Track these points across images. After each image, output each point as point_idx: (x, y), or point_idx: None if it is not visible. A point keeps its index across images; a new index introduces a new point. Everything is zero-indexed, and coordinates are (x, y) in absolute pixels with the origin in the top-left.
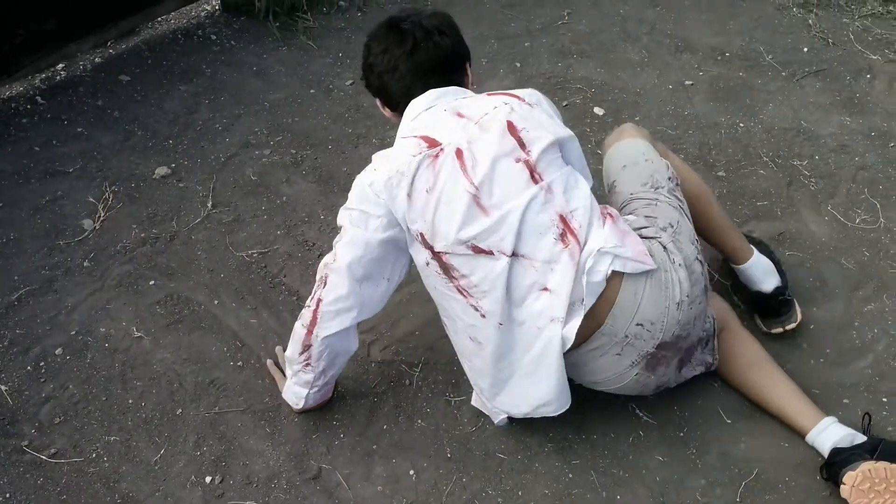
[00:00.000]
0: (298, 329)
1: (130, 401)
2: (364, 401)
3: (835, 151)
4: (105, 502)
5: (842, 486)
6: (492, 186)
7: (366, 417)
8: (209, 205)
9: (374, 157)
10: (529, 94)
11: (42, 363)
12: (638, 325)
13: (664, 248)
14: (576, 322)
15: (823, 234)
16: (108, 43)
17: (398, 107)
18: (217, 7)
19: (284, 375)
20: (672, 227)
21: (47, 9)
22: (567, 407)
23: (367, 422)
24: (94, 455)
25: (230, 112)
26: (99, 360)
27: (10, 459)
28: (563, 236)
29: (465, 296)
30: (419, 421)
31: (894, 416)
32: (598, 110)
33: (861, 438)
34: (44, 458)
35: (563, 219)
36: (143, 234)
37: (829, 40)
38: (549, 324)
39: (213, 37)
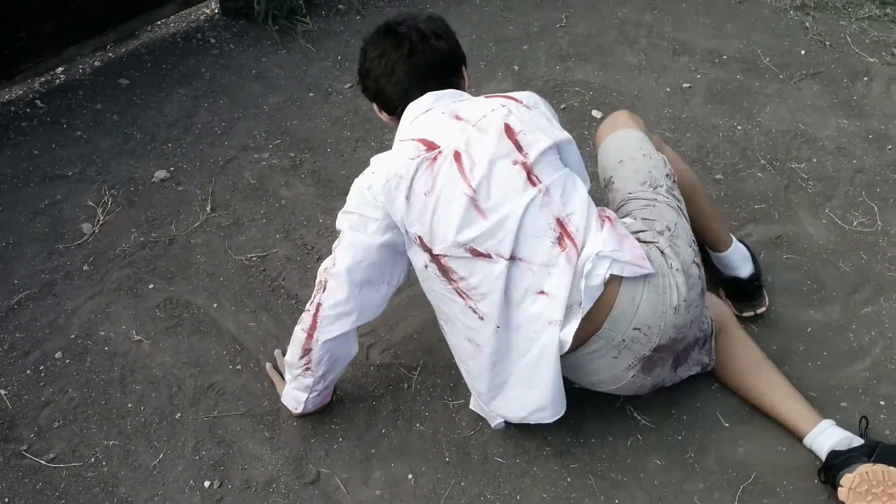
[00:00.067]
0: (298, 333)
1: (129, 405)
2: (363, 404)
3: (832, 154)
4: None
5: (839, 489)
6: (489, 188)
7: (364, 421)
8: (208, 208)
9: (373, 160)
10: (527, 96)
11: (41, 367)
12: (635, 329)
13: (662, 252)
14: (573, 325)
15: (821, 237)
16: (108, 46)
17: (395, 110)
18: (216, 10)
19: (283, 379)
20: (670, 230)
21: (47, 12)
22: (562, 413)
23: (366, 426)
24: (92, 459)
25: (229, 115)
26: (98, 363)
27: (10, 464)
28: (560, 240)
29: (464, 298)
30: (418, 425)
31: (892, 420)
32: (597, 113)
33: (858, 441)
34: (43, 462)
35: (560, 222)
36: (142, 238)
37: (827, 43)
38: (547, 326)
39: (213, 40)
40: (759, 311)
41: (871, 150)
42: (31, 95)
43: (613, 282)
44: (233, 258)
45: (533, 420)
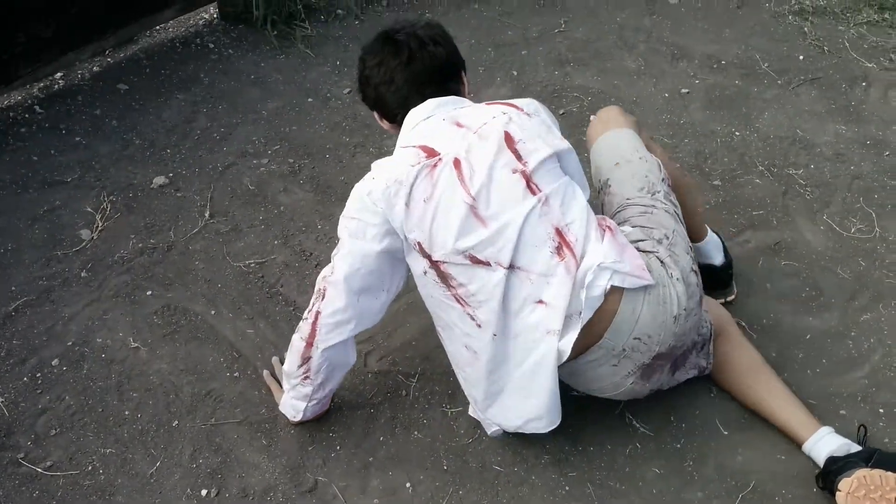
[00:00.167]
0: (297, 342)
1: (126, 412)
2: (361, 412)
3: (830, 160)
4: None
5: (837, 493)
6: (489, 197)
7: (362, 429)
8: (207, 214)
9: (374, 165)
10: (528, 103)
11: (38, 374)
12: (636, 338)
13: (661, 262)
14: (572, 335)
15: (819, 244)
16: (107, 51)
17: (395, 118)
18: (215, 15)
19: (281, 387)
20: (668, 238)
21: (46, 17)
22: (557, 424)
23: (364, 433)
24: (89, 468)
25: (228, 121)
26: (95, 371)
27: (6, 472)
28: (559, 249)
29: (462, 304)
30: (416, 432)
31: (891, 428)
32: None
33: (857, 448)
34: (39, 470)
35: (559, 232)
36: (140, 245)
37: (825, 48)
38: (545, 336)
39: (211, 45)
40: (729, 298)
41: (869, 156)
42: (30, 101)
43: (614, 292)
44: (231, 265)
45: (528, 429)
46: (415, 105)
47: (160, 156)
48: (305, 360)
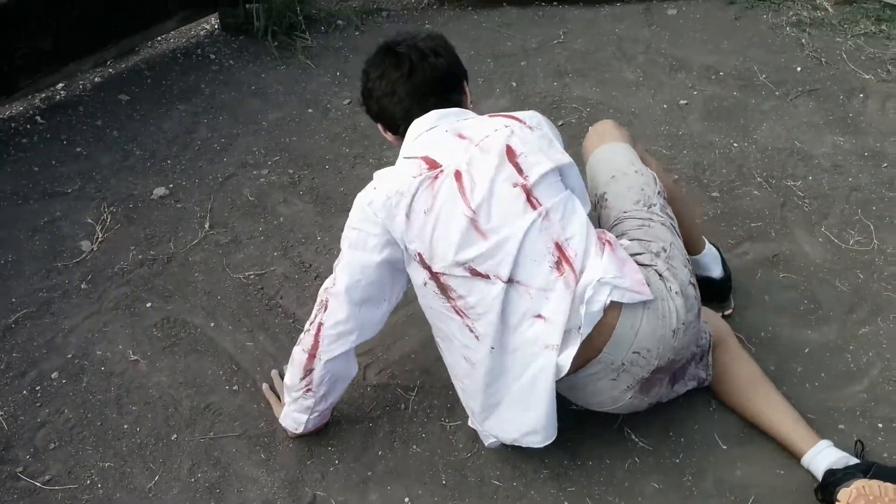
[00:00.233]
0: (298, 354)
1: (125, 426)
2: (359, 426)
3: (828, 172)
4: None
5: None
6: (490, 210)
7: (361, 443)
8: (206, 226)
9: (376, 175)
10: (530, 116)
11: (38, 387)
12: (635, 353)
13: (660, 276)
14: (572, 350)
15: (817, 256)
16: (108, 62)
17: (398, 129)
18: (216, 26)
19: (280, 400)
20: (666, 251)
21: (47, 28)
22: (553, 438)
23: (363, 447)
24: (88, 482)
25: (228, 132)
26: (95, 383)
27: (5, 486)
28: (558, 264)
29: (461, 316)
30: (414, 446)
31: (889, 442)
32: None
33: (855, 461)
34: (38, 484)
35: (558, 246)
36: (140, 256)
37: (823, 59)
38: (544, 350)
39: (212, 56)
40: (727, 312)
41: (867, 167)
42: (31, 111)
43: (613, 306)
44: (231, 276)
45: (525, 443)
46: (417, 116)
47: (161, 166)
48: (308, 371)
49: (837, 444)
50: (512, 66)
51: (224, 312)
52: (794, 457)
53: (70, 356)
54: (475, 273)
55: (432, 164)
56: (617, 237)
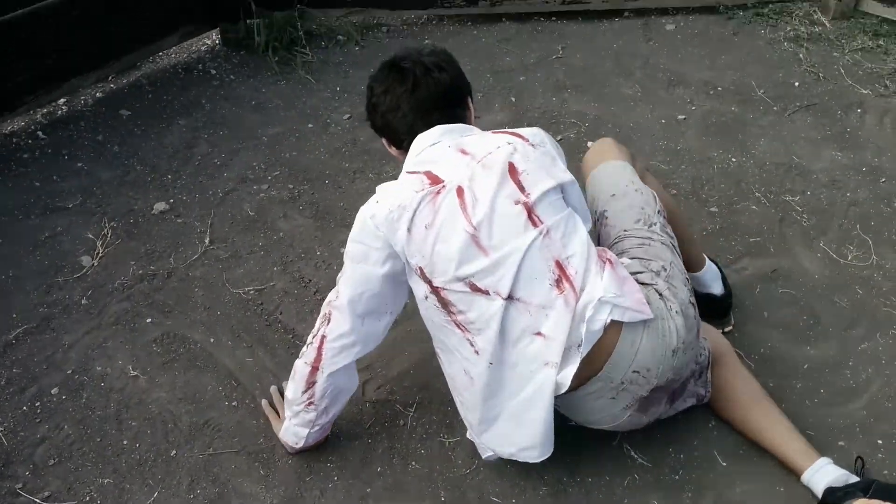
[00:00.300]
0: (301, 367)
1: (125, 442)
2: (358, 442)
3: (826, 187)
4: None
5: None
6: (491, 227)
7: (360, 459)
8: (207, 241)
9: (379, 188)
10: (533, 134)
11: (38, 403)
12: (634, 372)
13: (660, 295)
14: (571, 368)
15: (816, 271)
16: (110, 77)
17: (402, 144)
18: (217, 41)
19: (279, 416)
20: (666, 270)
21: (50, 44)
22: (550, 454)
23: (362, 464)
24: (87, 498)
25: (229, 146)
26: (94, 399)
27: (4, 502)
28: (558, 282)
29: (462, 330)
30: (413, 463)
31: (889, 459)
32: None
33: (855, 479)
34: (38, 501)
35: (559, 264)
36: (140, 271)
37: (820, 74)
38: (543, 368)
39: (213, 71)
40: (727, 329)
41: (865, 182)
42: (33, 126)
43: (613, 325)
44: (230, 292)
45: (521, 458)
46: (421, 131)
47: (161, 181)
48: (310, 384)
49: (837, 462)
50: (511, 80)
51: (223, 328)
52: (793, 474)
53: (70, 372)
54: (475, 289)
55: (435, 180)
56: (617, 255)
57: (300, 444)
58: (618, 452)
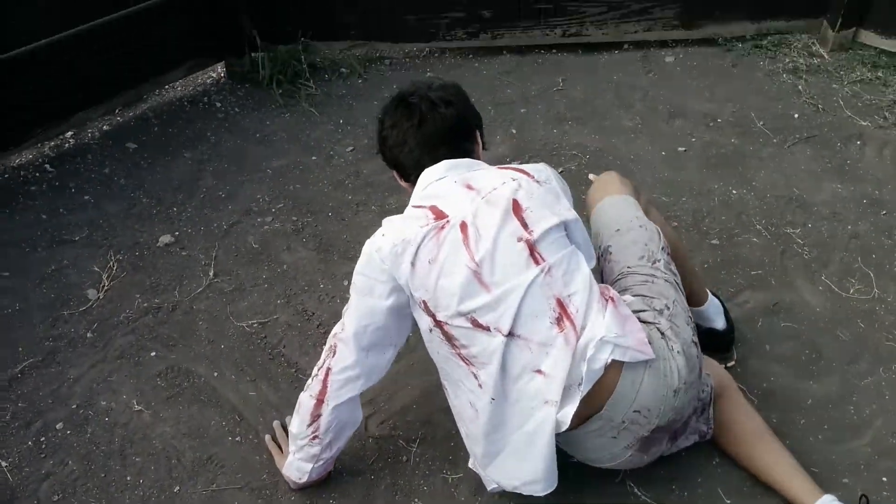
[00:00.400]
0: (306, 400)
1: (129, 478)
2: (361, 478)
3: (827, 219)
4: None
5: None
6: (493, 264)
7: (362, 495)
8: (211, 273)
9: (385, 221)
10: (539, 170)
11: (43, 438)
12: (635, 411)
13: (662, 334)
14: (571, 407)
15: (818, 305)
16: (116, 110)
17: (410, 178)
18: (223, 74)
19: (282, 451)
20: (669, 308)
21: (57, 78)
22: (554, 488)
23: (364, 500)
24: None
25: (233, 179)
26: (99, 434)
27: None
28: (559, 321)
29: (467, 363)
30: (416, 499)
31: (894, 497)
32: (593, 177)
33: None
34: None
35: (560, 303)
36: (145, 304)
37: (820, 106)
38: (543, 405)
39: (218, 104)
40: (730, 364)
41: (866, 215)
42: (40, 160)
43: (614, 365)
44: (234, 325)
45: (526, 492)
46: (428, 166)
47: (167, 214)
48: (315, 417)
49: (842, 499)
50: (512, 113)
51: (227, 362)
52: None
53: (75, 406)
54: (477, 324)
55: (439, 215)
56: (620, 292)
57: (303, 479)
58: (621, 489)
